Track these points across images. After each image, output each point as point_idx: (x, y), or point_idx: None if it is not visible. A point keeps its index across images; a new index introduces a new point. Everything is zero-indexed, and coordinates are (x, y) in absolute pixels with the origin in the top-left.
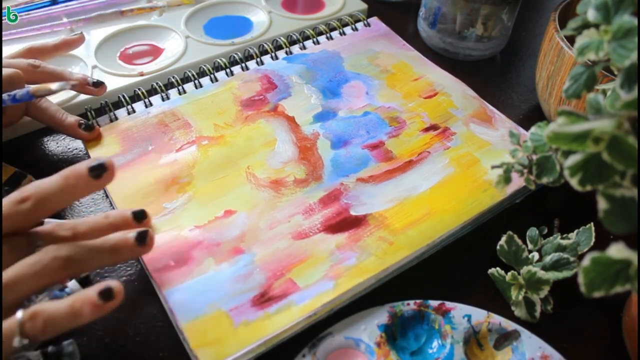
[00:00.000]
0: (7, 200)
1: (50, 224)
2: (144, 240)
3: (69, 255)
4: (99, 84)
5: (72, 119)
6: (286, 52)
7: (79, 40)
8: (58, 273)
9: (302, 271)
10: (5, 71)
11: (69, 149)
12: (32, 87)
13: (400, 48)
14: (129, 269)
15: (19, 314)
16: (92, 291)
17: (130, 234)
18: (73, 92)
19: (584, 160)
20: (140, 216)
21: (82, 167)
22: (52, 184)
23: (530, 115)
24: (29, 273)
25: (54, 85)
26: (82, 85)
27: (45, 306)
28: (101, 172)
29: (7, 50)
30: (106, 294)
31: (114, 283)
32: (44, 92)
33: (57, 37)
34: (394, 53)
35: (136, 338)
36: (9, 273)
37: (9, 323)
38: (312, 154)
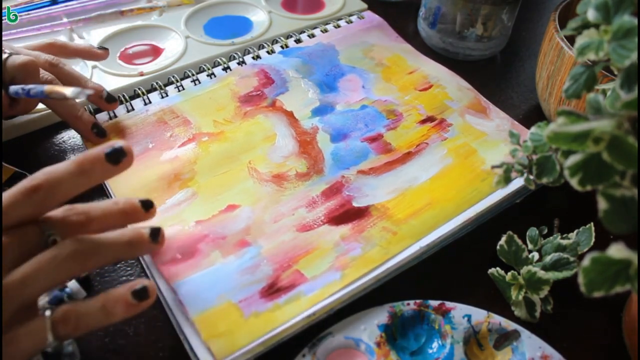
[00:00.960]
0: (17, 190)
1: (61, 209)
2: (156, 237)
3: (88, 249)
4: (111, 100)
5: (87, 117)
6: (282, 46)
7: (102, 56)
8: (76, 267)
9: (309, 262)
10: (20, 58)
11: (69, 149)
12: (46, 88)
13: (393, 40)
14: (128, 268)
15: (48, 312)
16: (125, 290)
17: (144, 229)
18: None
19: (584, 160)
20: (147, 205)
21: (98, 152)
22: (65, 171)
23: (530, 115)
24: (47, 269)
25: (68, 91)
26: (96, 97)
27: (77, 307)
28: (120, 157)
29: None
30: (140, 294)
31: (146, 281)
32: (57, 95)
33: (58, 37)
34: (388, 46)
35: (136, 338)
36: (26, 268)
37: (39, 321)
38: (313, 147)
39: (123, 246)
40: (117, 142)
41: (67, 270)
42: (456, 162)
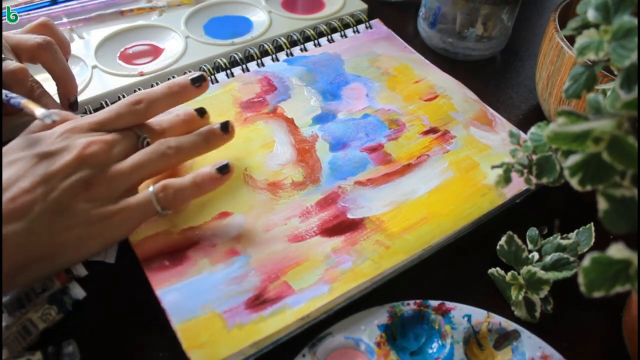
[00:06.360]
0: (124, 102)
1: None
2: (226, 129)
3: (178, 146)
4: (72, 105)
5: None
6: (287, 54)
7: (67, 53)
8: (170, 159)
9: (298, 274)
10: (11, 65)
11: None
12: (23, 101)
13: (401, 51)
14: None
15: (151, 188)
16: (211, 167)
17: (215, 125)
18: None
19: (584, 160)
20: (202, 111)
21: (185, 78)
22: (159, 90)
23: (530, 115)
24: (151, 158)
25: (38, 112)
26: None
27: (173, 182)
28: (201, 82)
29: None
30: (223, 169)
31: (226, 161)
32: (29, 112)
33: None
34: (395, 56)
35: (136, 338)
36: (134, 159)
37: (143, 195)
38: (311, 156)
39: (202, 142)
40: (196, 72)
41: (164, 161)
42: (457, 175)
